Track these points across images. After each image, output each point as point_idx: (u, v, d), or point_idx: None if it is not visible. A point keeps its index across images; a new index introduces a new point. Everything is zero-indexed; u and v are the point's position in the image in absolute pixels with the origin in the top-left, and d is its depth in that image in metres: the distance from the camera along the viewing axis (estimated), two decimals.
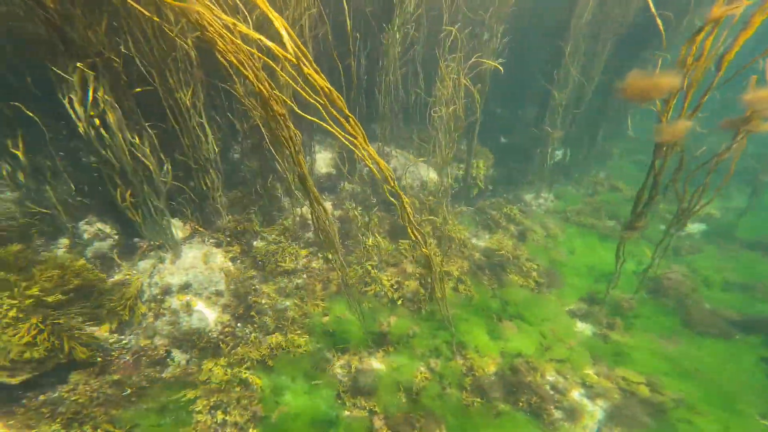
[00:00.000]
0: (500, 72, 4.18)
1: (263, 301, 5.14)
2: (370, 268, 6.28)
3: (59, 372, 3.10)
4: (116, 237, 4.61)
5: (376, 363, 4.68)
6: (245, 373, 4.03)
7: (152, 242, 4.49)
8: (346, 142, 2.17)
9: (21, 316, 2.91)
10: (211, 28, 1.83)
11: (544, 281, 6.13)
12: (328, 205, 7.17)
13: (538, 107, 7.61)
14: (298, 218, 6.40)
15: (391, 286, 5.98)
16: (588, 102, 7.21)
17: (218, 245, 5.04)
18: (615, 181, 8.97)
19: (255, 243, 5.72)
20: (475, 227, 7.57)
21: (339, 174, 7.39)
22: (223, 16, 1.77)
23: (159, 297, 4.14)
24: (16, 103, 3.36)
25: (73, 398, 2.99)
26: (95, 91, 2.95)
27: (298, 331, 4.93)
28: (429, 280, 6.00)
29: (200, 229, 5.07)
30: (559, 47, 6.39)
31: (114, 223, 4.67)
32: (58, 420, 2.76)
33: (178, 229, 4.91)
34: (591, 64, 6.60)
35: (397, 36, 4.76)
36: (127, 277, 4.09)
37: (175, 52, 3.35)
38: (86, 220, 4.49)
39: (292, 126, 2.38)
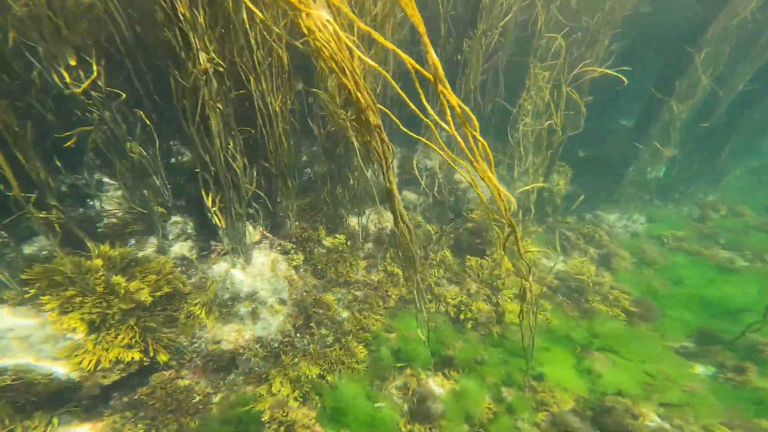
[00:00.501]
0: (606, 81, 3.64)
1: (321, 312, 5.09)
2: (433, 284, 5.99)
3: (142, 374, 3.24)
4: (195, 238, 4.84)
5: (436, 386, 4.39)
6: (306, 387, 3.98)
7: (227, 246, 4.63)
8: (468, 167, 1.92)
9: (119, 317, 3.08)
10: (319, 34, 1.69)
11: (636, 312, 5.39)
12: (389, 216, 7.00)
13: (636, 119, 6.73)
14: (358, 228, 6.30)
15: (454, 306, 5.65)
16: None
17: (284, 252, 5.09)
18: (735, 204, 7.67)
19: (316, 250, 5.71)
20: (546, 247, 6.93)
21: (400, 181, 7.18)
22: (335, 27, 1.63)
23: (229, 303, 4.23)
24: (139, 111, 3.57)
25: (150, 402, 3.10)
26: (202, 96, 3.03)
27: (358, 346, 4.80)
28: (497, 300, 5.59)
29: (268, 234, 5.15)
30: (684, 54, 5.53)
31: (194, 224, 4.91)
32: (140, 426, 2.87)
33: (249, 234, 5.03)
34: (731, 72, 5.63)
35: (482, 41, 4.40)
36: (203, 279, 4.23)
37: (270, 57, 3.40)
38: (172, 220, 4.76)
39: (386, 139, 2.18)
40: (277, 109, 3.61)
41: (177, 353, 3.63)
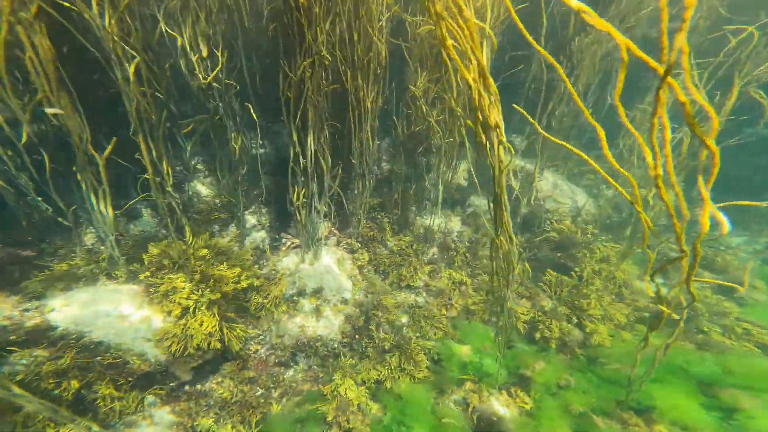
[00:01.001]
0: None
1: (381, 315, 5.01)
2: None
3: (215, 362, 3.44)
4: (268, 229, 5.02)
5: (500, 406, 4.07)
6: (366, 392, 3.95)
7: (298, 240, 4.73)
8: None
9: (206, 306, 3.27)
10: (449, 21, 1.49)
11: None
12: (456, 221, 6.63)
13: None
14: (422, 231, 6.05)
15: (526, 322, 5.21)
16: None
17: (350, 251, 5.07)
18: None
19: (380, 251, 5.61)
20: (637, 266, 6.07)
21: (469, 186, 6.72)
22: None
23: (295, 297, 4.33)
24: (248, 104, 3.73)
25: (219, 392, 3.28)
26: (306, 89, 3.02)
27: (419, 354, 4.64)
28: (580, 321, 5.02)
29: (336, 231, 5.16)
30: None
31: (268, 216, 5.09)
32: (212, 414, 3.06)
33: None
34: None
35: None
36: (273, 271, 4.37)
37: (371, 52, 3.27)
38: (250, 210, 4.98)
39: (504, 140, 1.89)
40: (369, 105, 3.47)
41: (245, 343, 3.81)
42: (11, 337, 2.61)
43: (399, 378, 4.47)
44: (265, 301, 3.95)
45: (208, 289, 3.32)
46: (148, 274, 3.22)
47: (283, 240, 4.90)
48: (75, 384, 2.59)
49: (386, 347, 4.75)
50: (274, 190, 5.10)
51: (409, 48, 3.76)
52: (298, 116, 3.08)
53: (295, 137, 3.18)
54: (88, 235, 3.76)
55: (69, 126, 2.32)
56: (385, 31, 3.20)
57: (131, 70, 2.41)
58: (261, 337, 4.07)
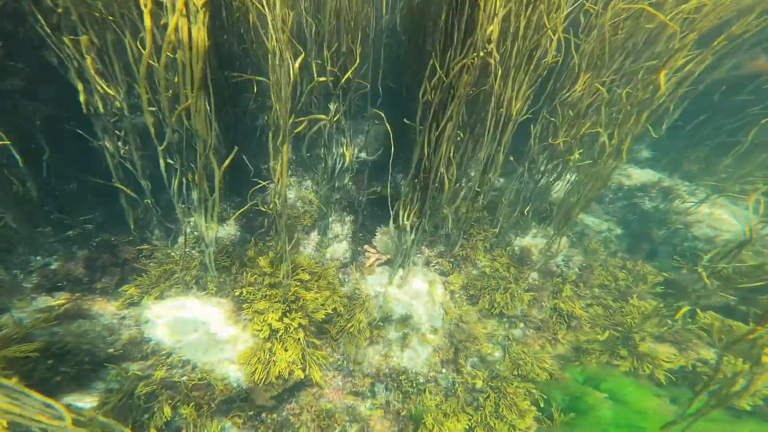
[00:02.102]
0: None
1: (471, 347, 4.38)
2: (637, 339, 4.57)
3: (291, 390, 3.19)
4: (350, 239, 4.71)
5: None
6: None
7: (384, 255, 4.33)
8: None
9: (293, 330, 3.03)
10: None
11: None
12: (562, 241, 5.65)
13: None
14: (518, 251, 5.24)
15: (669, 370, 4.24)
16: None
17: (442, 273, 4.52)
18: None
19: (471, 272, 4.96)
20: None
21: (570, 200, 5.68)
22: None
23: (380, 323, 3.93)
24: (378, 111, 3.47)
25: (297, 425, 3.00)
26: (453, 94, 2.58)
27: (519, 398, 3.94)
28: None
29: (424, 249, 4.65)
30: None
31: (351, 225, 4.78)
32: None
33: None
34: None
35: None
36: (356, 290, 4.02)
37: (536, 50, 2.68)
38: (333, 217, 4.73)
39: None
40: (514, 112, 2.86)
41: (323, 369, 3.52)
42: (109, 350, 2.62)
43: (495, 427, 3.85)
44: (348, 325, 3.61)
45: (300, 313, 3.06)
46: (243, 291, 3.06)
47: (366, 254, 4.54)
48: (167, 411, 2.48)
49: (477, 386, 4.14)
50: (356, 197, 4.79)
51: (577, 44, 3.05)
52: (436, 124, 2.59)
53: (426, 148, 2.69)
54: (181, 239, 3.81)
55: (197, 128, 2.13)
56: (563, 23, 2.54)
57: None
58: (338, 362, 3.75)
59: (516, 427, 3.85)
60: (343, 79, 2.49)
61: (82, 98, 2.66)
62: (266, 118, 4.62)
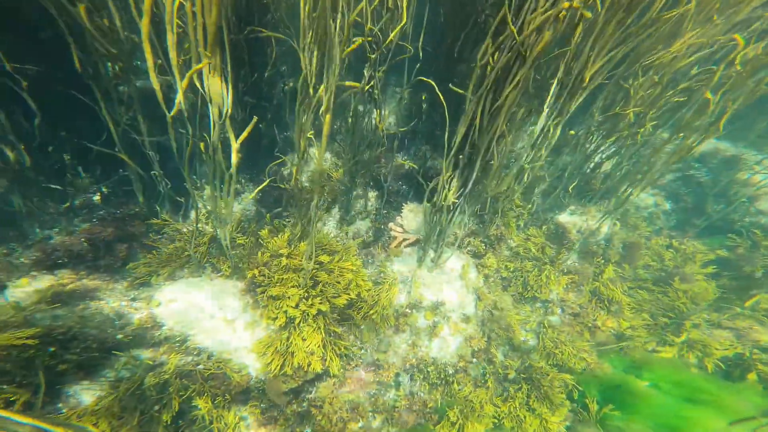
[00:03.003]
0: None
1: (502, 334, 4.14)
2: (689, 325, 4.28)
3: (311, 381, 3.01)
4: (374, 217, 4.41)
5: None
6: None
7: (412, 236, 4.03)
8: None
9: (311, 318, 2.82)
10: None
11: None
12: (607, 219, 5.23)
13: None
14: (553, 228, 4.89)
15: (722, 359, 4.03)
16: None
17: (475, 255, 4.21)
18: None
19: (503, 253, 4.64)
20: None
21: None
22: None
23: (407, 309, 3.68)
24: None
25: (318, 418, 2.85)
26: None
27: (554, 391, 3.73)
28: None
29: (458, 230, 4.32)
30: None
31: (375, 201, 4.46)
32: None
33: None
34: None
35: None
36: (382, 274, 3.76)
37: None
38: (356, 192, 4.41)
39: None
40: (588, 77, 2.39)
41: (343, 359, 3.34)
42: (118, 336, 2.45)
43: (526, 420, 3.69)
44: (372, 312, 3.37)
45: (318, 299, 2.82)
46: (256, 272, 2.82)
47: (392, 234, 4.24)
48: (176, 404, 2.32)
49: (510, 376, 3.95)
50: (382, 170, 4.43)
51: None
52: (494, 92, 2.18)
53: (479, 119, 2.29)
54: (192, 214, 3.58)
55: (211, 93, 1.81)
56: None
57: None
58: (361, 350, 3.56)
59: (547, 421, 3.66)
60: (387, 41, 2.08)
61: (75, 58, 2.32)
62: (284, 84, 4.22)
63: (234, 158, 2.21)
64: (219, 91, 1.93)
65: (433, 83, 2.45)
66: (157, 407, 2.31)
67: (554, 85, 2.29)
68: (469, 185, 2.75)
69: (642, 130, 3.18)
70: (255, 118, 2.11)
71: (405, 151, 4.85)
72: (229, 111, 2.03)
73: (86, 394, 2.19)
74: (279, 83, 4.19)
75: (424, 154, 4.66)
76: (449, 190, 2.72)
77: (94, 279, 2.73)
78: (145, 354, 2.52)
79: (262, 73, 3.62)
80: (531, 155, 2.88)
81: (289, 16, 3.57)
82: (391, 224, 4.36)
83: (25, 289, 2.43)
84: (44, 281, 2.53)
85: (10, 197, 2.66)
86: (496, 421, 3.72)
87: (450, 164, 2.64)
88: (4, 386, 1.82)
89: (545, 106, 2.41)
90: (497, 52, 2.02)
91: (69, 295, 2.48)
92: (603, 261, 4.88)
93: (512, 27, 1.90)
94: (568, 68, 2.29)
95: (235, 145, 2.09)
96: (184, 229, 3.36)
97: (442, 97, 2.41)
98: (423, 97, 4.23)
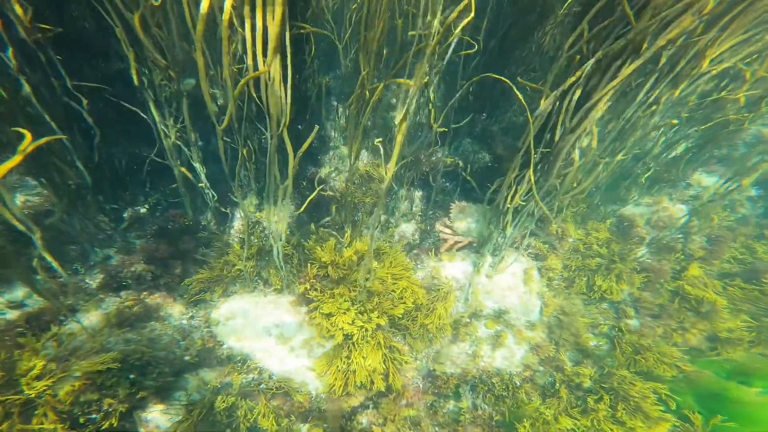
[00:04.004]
0: None
1: (571, 339, 3.95)
2: None
3: (372, 397, 3.00)
4: (420, 218, 4.32)
5: None
6: None
7: (464, 238, 3.91)
8: None
9: (371, 333, 2.79)
10: None
11: None
12: (675, 209, 4.87)
13: None
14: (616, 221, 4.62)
15: None
16: None
17: (537, 258, 4.04)
18: None
19: (564, 248, 4.41)
20: None
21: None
22: None
23: (466, 319, 3.59)
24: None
25: None
26: None
27: (644, 401, 3.48)
28: None
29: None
30: None
31: (420, 202, 4.36)
32: None
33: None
34: None
35: None
36: (435, 280, 3.67)
37: None
38: (402, 189, 4.32)
39: None
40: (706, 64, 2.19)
41: (402, 372, 3.30)
42: (186, 357, 2.53)
43: None
44: (426, 321, 3.30)
45: (375, 313, 2.78)
46: (308, 286, 2.82)
47: (441, 235, 4.14)
48: (243, 429, 2.38)
49: (585, 385, 3.74)
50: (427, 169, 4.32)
51: None
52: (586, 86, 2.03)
53: (563, 116, 2.15)
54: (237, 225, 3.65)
55: (269, 104, 1.79)
56: None
57: None
58: (418, 362, 3.51)
59: None
60: (456, 32, 1.96)
61: (133, 70, 2.36)
62: (320, 80, 4.18)
63: (290, 171, 2.19)
64: (278, 101, 1.90)
65: (506, 80, 2.30)
66: (228, 430, 2.38)
67: (654, 74, 2.08)
68: (545, 185, 2.60)
69: (751, 115, 2.88)
70: (317, 127, 2.08)
71: (447, 146, 4.73)
72: (288, 121, 2.00)
73: (162, 418, 2.28)
74: (315, 79, 4.16)
75: (467, 149, 4.51)
76: (516, 192, 2.58)
77: (154, 298, 2.85)
78: (211, 375, 2.61)
79: (302, 71, 3.59)
80: (610, 147, 2.68)
81: (330, 9, 3.51)
82: (438, 225, 4.25)
83: (95, 312, 2.56)
84: (110, 303, 2.65)
85: (71, 217, 2.79)
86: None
87: (516, 165, 2.50)
88: (93, 415, 1.92)
89: (639, 96, 2.21)
90: (593, 41, 1.85)
91: (135, 317, 2.59)
92: (683, 257, 4.55)
93: (628, 10, 1.71)
94: (675, 54, 2.06)
95: (292, 161, 2.07)
96: (231, 241, 3.43)
97: (515, 88, 2.25)
98: (470, 90, 4.07)
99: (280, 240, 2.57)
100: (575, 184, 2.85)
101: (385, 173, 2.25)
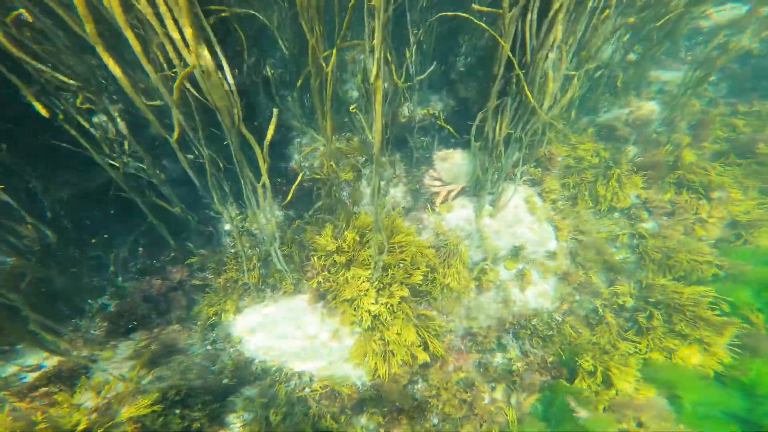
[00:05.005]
0: None
1: (597, 258, 3.97)
2: None
3: (417, 371, 3.05)
4: (405, 180, 4.25)
5: None
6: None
7: (456, 184, 3.86)
8: None
9: (396, 307, 2.80)
10: None
11: None
12: (648, 106, 4.94)
13: None
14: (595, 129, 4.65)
15: None
16: None
17: (534, 183, 4.04)
18: None
19: (560, 170, 4.41)
20: None
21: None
22: None
23: (485, 266, 3.62)
24: None
25: (439, 407, 2.91)
26: None
27: (700, 305, 3.37)
28: None
29: None
30: None
31: (400, 162, 4.28)
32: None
33: None
34: None
35: None
36: (441, 237, 3.66)
37: None
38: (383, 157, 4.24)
39: None
40: None
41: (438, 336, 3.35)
42: (224, 381, 2.54)
43: (679, 349, 3.35)
44: (446, 281, 3.31)
45: (395, 286, 2.78)
46: (320, 279, 2.80)
47: (432, 190, 4.08)
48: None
49: (627, 304, 3.75)
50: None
51: None
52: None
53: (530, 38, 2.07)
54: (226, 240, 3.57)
55: (215, 100, 1.68)
56: None
57: None
58: (451, 324, 3.55)
59: (711, 344, 3.27)
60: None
61: (30, 97, 2.12)
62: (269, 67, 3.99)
63: (262, 164, 2.10)
64: (222, 93, 1.79)
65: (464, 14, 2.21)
66: None
67: None
68: (519, 115, 2.55)
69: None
70: (276, 110, 1.98)
71: (415, 102, 4.63)
72: (241, 111, 1.90)
73: None
74: (259, 70, 3.98)
75: (441, 97, 4.42)
76: (501, 122, 2.54)
77: (167, 333, 2.83)
78: (252, 391, 2.62)
79: (241, 65, 3.44)
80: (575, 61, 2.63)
81: None
82: (426, 180, 4.19)
83: (114, 359, 2.55)
84: (125, 347, 2.64)
85: (49, 276, 2.70)
86: (642, 359, 3.37)
87: (494, 95, 2.44)
88: None
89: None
90: None
91: (155, 355, 2.57)
92: (671, 147, 4.59)
93: None
94: None
95: (261, 154, 1.98)
96: (225, 258, 3.36)
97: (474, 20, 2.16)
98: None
99: (276, 241, 2.52)
100: (548, 103, 2.81)
101: (371, 137, 2.18)
